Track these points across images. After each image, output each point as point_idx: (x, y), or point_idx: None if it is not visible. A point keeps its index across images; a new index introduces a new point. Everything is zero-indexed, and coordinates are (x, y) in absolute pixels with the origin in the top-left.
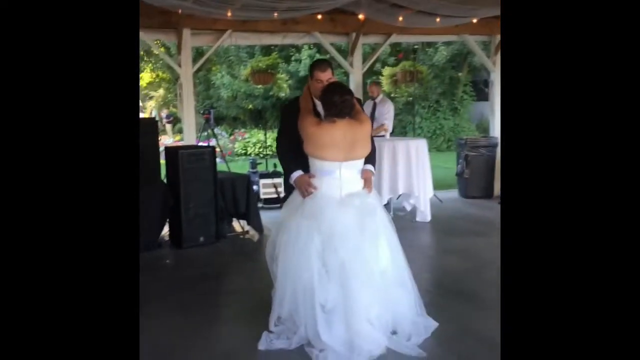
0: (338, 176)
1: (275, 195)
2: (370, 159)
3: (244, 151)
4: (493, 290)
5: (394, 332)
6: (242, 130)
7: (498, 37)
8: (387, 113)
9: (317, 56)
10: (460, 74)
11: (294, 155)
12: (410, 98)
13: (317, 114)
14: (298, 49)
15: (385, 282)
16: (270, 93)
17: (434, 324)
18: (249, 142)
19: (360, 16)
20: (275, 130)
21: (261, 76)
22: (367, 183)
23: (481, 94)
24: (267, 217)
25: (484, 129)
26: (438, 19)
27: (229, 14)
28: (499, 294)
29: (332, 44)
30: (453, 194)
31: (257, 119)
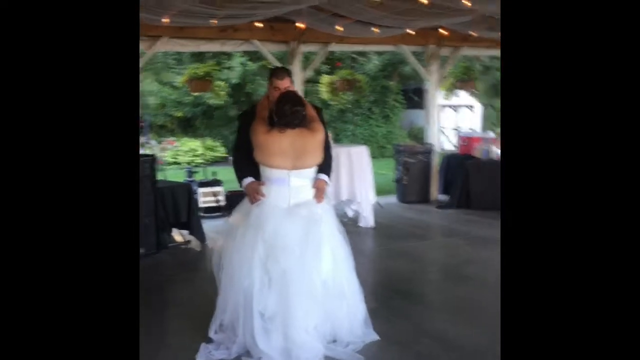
0: (287, 185)
1: (215, 204)
2: (325, 168)
3: (174, 160)
4: (440, 291)
5: (334, 341)
6: (171, 138)
7: (432, 48)
8: None
9: (250, 64)
10: (391, 83)
11: (247, 162)
12: (350, 106)
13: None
14: (230, 56)
15: (326, 292)
16: (203, 100)
17: (373, 337)
18: (179, 150)
19: (300, 25)
20: (207, 139)
21: (199, 83)
22: (319, 193)
23: (411, 102)
24: (207, 226)
25: (414, 135)
26: (376, 29)
27: (167, 20)
28: (446, 295)
29: (271, 52)
30: (392, 199)
31: (186, 127)
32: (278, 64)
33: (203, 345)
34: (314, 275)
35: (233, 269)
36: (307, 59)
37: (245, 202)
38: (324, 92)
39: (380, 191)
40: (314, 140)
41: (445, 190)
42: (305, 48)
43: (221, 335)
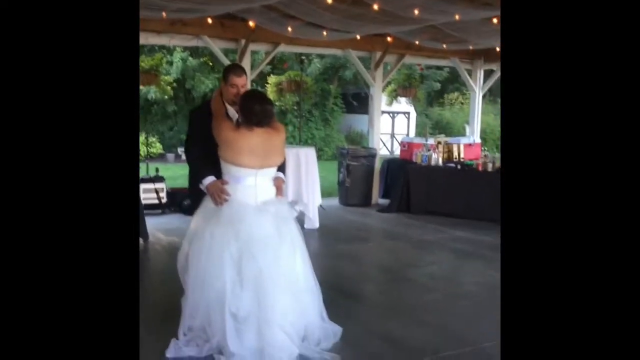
0: (254, 183)
1: (156, 201)
2: (282, 166)
3: None
4: (386, 292)
5: (304, 339)
6: None
7: (378, 54)
8: None
9: (190, 60)
10: (331, 86)
11: (204, 161)
12: (295, 107)
13: (229, 119)
14: (170, 51)
15: (298, 288)
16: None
17: (339, 329)
18: None
19: (251, 23)
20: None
21: (144, 77)
22: (279, 190)
23: (350, 107)
24: (149, 223)
25: (352, 139)
26: (325, 33)
27: None
28: (391, 296)
29: (220, 49)
30: (333, 201)
31: None
32: (227, 61)
33: (174, 341)
34: (290, 272)
35: (202, 271)
36: (254, 59)
37: (207, 203)
38: (270, 92)
39: (322, 193)
40: (279, 139)
41: (385, 194)
42: (254, 47)
43: (190, 334)
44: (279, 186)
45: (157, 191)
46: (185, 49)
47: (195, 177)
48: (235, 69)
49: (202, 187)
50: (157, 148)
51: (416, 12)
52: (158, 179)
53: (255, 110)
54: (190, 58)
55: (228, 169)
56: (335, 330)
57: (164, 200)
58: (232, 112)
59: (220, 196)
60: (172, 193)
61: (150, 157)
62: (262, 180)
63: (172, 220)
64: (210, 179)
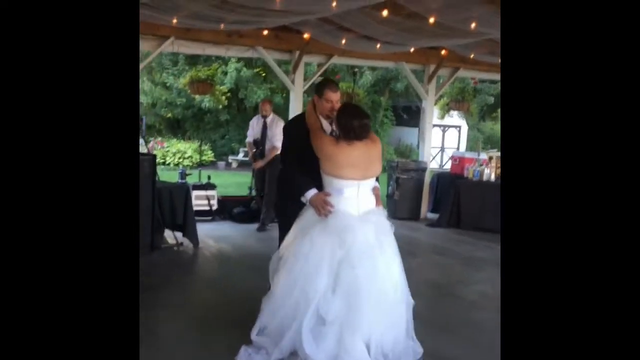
0: (355, 194)
1: (207, 208)
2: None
3: (162, 161)
4: (435, 309)
5: (388, 353)
6: (159, 139)
7: (432, 67)
8: (278, 134)
9: (244, 70)
10: (382, 99)
11: (302, 174)
12: None
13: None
14: (225, 61)
15: (393, 301)
16: (194, 103)
17: (421, 350)
18: (168, 151)
19: (305, 35)
20: (196, 142)
21: (200, 86)
22: (378, 200)
23: (400, 119)
24: (199, 229)
25: (401, 152)
26: (378, 45)
27: (175, 20)
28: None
29: (274, 60)
30: None
31: (175, 128)
32: (281, 72)
33: (243, 348)
34: (386, 284)
35: (298, 273)
36: (306, 70)
37: (308, 214)
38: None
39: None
40: (377, 150)
41: (434, 208)
42: (307, 58)
43: (263, 338)
44: (377, 195)
45: (208, 198)
46: (239, 59)
47: (297, 190)
48: (331, 84)
49: (304, 199)
50: (209, 156)
51: (473, 25)
52: (209, 186)
53: (354, 126)
54: (244, 68)
55: (330, 181)
56: (416, 350)
57: (214, 208)
58: (326, 125)
59: (325, 207)
60: (222, 201)
61: (202, 165)
62: (363, 191)
63: (222, 227)
64: (312, 192)
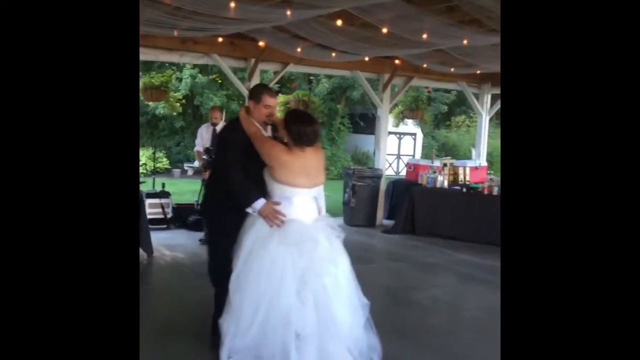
0: (307, 202)
1: (162, 216)
2: None
3: None
4: (389, 314)
5: (362, 354)
6: None
7: (386, 76)
8: None
9: (200, 76)
10: (338, 106)
11: (249, 182)
12: None
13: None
14: (180, 67)
15: (358, 303)
16: (147, 110)
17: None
18: None
19: (261, 43)
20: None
21: (154, 93)
22: (321, 208)
23: (357, 127)
24: (154, 238)
25: (358, 160)
26: (333, 54)
27: None
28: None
29: (230, 67)
30: (338, 221)
31: None
32: (236, 80)
33: None
34: (349, 287)
35: (263, 290)
36: (262, 78)
37: (260, 224)
38: (277, 111)
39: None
40: (323, 157)
41: (390, 215)
42: (263, 66)
43: (236, 356)
44: (321, 204)
45: (162, 206)
46: (194, 65)
47: (245, 199)
48: (269, 90)
49: (251, 209)
50: (164, 163)
51: (425, 36)
52: (164, 194)
53: (307, 132)
54: (199, 75)
55: (281, 190)
56: (374, 344)
57: (169, 216)
58: (267, 132)
59: (277, 217)
60: (177, 209)
61: (157, 172)
62: (311, 198)
63: (177, 236)
64: (261, 202)
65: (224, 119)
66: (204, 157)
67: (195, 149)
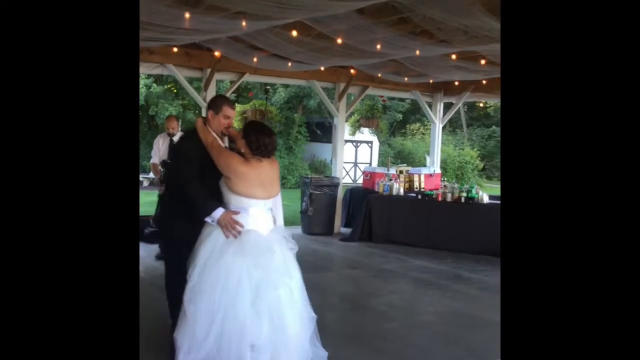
0: (262, 213)
1: None
2: None
3: None
4: (346, 321)
5: None
6: None
7: (342, 85)
8: None
9: (155, 86)
10: (296, 115)
11: (206, 192)
12: None
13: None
14: None
15: (306, 314)
16: None
17: (325, 353)
18: None
19: (216, 53)
20: None
21: None
22: (275, 219)
23: (314, 135)
24: None
25: (315, 168)
26: (290, 64)
27: None
28: (352, 324)
29: (185, 78)
30: (296, 230)
31: None
32: (192, 90)
33: None
34: (304, 300)
35: (218, 302)
36: (219, 87)
37: (216, 234)
38: (234, 121)
39: (284, 222)
40: (277, 169)
41: (347, 223)
42: (219, 76)
43: None
44: (275, 215)
45: None
46: (149, 75)
47: (203, 208)
48: (229, 101)
49: (209, 219)
50: None
51: (378, 46)
52: None
53: (266, 143)
54: (154, 85)
55: (238, 201)
56: (322, 354)
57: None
58: (223, 142)
59: (234, 227)
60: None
61: None
62: (267, 209)
63: None
64: (220, 211)
65: (180, 128)
66: (161, 170)
67: (152, 161)
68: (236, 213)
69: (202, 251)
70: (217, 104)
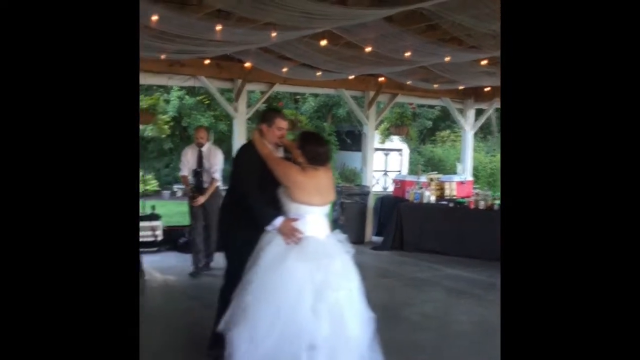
0: (320, 219)
1: (152, 239)
2: None
3: None
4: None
5: None
6: None
7: (371, 93)
8: (217, 165)
9: (187, 98)
10: (325, 124)
11: (267, 201)
12: None
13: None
14: (167, 89)
15: (366, 317)
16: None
17: None
18: None
19: (247, 64)
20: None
21: (142, 115)
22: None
23: (344, 144)
24: (145, 261)
25: (346, 177)
26: (318, 73)
27: None
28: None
29: (217, 88)
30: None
31: None
32: (223, 101)
33: None
34: (363, 302)
35: (280, 305)
36: (250, 98)
37: (276, 241)
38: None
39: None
40: (332, 176)
41: (378, 231)
42: (250, 87)
43: None
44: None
45: (152, 229)
46: (181, 87)
47: (264, 217)
48: (280, 113)
49: (271, 227)
50: (153, 185)
51: (407, 54)
52: (154, 217)
53: (320, 152)
54: (187, 96)
55: (297, 208)
56: None
57: (159, 239)
58: (279, 153)
59: (295, 234)
60: (167, 231)
61: (146, 195)
62: (323, 215)
63: (168, 259)
64: (280, 219)
65: (210, 139)
66: (191, 182)
67: (181, 173)
68: (295, 220)
69: (263, 257)
70: (269, 117)
